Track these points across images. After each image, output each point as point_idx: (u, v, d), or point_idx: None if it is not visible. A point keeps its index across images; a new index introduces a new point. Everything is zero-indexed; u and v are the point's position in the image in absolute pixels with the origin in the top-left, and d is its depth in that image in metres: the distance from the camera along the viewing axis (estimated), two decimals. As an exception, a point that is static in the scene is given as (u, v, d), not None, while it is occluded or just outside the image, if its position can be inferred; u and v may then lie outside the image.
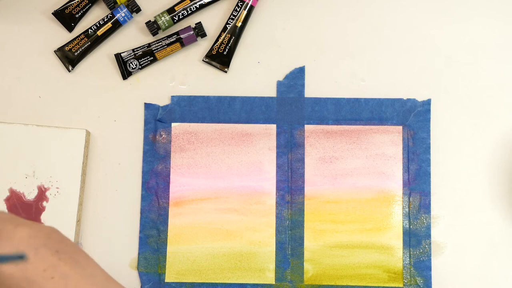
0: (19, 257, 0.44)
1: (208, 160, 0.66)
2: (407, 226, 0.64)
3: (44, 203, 0.64)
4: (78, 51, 0.67)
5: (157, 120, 0.66)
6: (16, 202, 0.64)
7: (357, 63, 0.67)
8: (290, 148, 0.66)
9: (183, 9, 0.67)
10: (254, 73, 0.67)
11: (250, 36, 0.68)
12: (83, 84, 0.67)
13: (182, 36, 0.66)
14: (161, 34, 0.68)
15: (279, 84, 0.67)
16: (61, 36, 0.68)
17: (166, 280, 0.64)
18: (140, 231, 0.65)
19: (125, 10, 0.67)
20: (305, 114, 0.66)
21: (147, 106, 0.67)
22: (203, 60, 0.68)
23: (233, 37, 0.67)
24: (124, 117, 0.67)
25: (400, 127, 0.66)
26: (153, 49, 0.66)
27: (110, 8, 0.67)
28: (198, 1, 0.67)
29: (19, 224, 0.50)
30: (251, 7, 0.67)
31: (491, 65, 0.66)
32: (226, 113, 0.66)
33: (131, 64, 0.67)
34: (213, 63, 0.67)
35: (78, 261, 0.51)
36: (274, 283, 0.64)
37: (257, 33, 0.68)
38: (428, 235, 0.64)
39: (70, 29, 0.68)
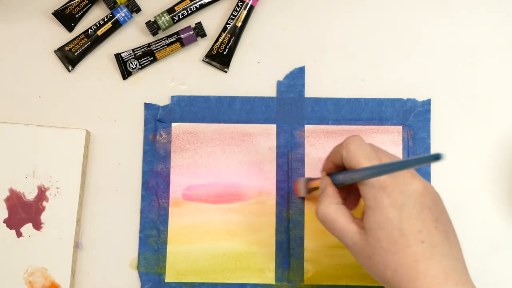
0: (435, 158, 0.43)
1: (208, 160, 0.66)
2: (407, 226, 0.64)
3: (44, 203, 0.64)
4: (78, 51, 0.67)
5: (157, 120, 0.66)
6: (16, 202, 0.64)
7: (357, 63, 0.67)
8: (290, 148, 0.66)
9: (183, 9, 0.67)
10: (254, 73, 0.67)
11: (250, 36, 0.68)
12: (83, 84, 0.67)
13: (182, 36, 0.66)
14: (161, 34, 0.68)
15: (279, 84, 0.67)
16: (61, 36, 0.68)
17: (166, 280, 0.64)
18: (140, 231, 0.65)
19: (125, 10, 0.67)
20: (305, 114, 0.66)
21: (147, 106, 0.67)
22: (203, 60, 0.68)
23: (233, 37, 0.67)
24: (124, 117, 0.67)
25: (400, 127, 0.66)
26: (153, 49, 0.66)
27: (110, 8, 0.67)
28: (198, 1, 0.67)
29: (415, 176, 0.50)
30: (251, 7, 0.67)
31: (491, 65, 0.66)
32: (226, 113, 0.66)
33: (131, 64, 0.67)
34: (213, 63, 0.67)
35: (449, 237, 0.50)
36: (274, 283, 0.64)
37: (257, 33, 0.68)
38: (428, 235, 0.64)
39: (70, 29, 0.68)
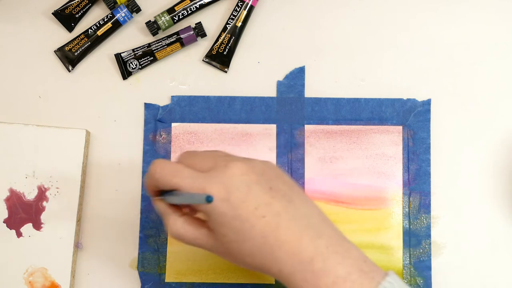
0: (207, 200, 0.45)
1: (208, 160, 0.66)
2: (407, 226, 0.64)
3: (44, 203, 0.64)
4: (78, 51, 0.67)
5: (157, 120, 0.66)
6: (16, 202, 0.64)
7: (357, 63, 0.67)
8: (290, 148, 0.66)
9: (183, 9, 0.67)
10: (254, 73, 0.67)
11: (250, 36, 0.68)
12: (83, 84, 0.67)
13: (182, 36, 0.66)
14: (161, 34, 0.68)
15: (279, 84, 0.67)
16: (61, 36, 0.68)
17: (166, 280, 0.64)
18: (140, 231, 0.65)
19: (125, 10, 0.67)
20: (305, 114, 0.66)
21: (147, 106, 0.67)
22: (203, 60, 0.68)
23: (233, 37, 0.67)
24: (124, 117, 0.67)
25: (400, 127, 0.66)
26: (153, 49, 0.66)
27: (110, 8, 0.67)
28: (198, 1, 0.67)
29: (232, 161, 0.49)
30: (251, 7, 0.67)
31: (491, 65, 0.66)
32: (226, 113, 0.66)
33: (131, 64, 0.67)
34: (213, 63, 0.67)
35: (291, 200, 0.49)
36: (274, 283, 0.64)
37: (257, 33, 0.68)
38: (428, 235, 0.64)
39: (70, 29, 0.68)
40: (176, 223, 0.51)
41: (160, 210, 0.53)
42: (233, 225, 0.48)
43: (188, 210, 0.53)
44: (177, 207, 0.52)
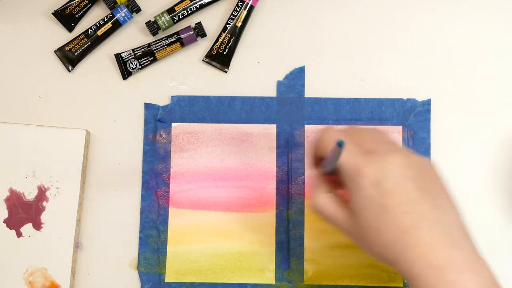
0: (338, 144, 0.47)
1: (208, 160, 0.66)
2: (407, 226, 0.64)
3: (44, 203, 0.64)
4: (78, 51, 0.67)
5: (157, 120, 0.66)
6: (16, 202, 0.64)
7: (357, 63, 0.67)
8: (290, 148, 0.66)
9: (183, 9, 0.67)
10: (254, 73, 0.67)
11: (250, 36, 0.68)
12: (83, 84, 0.67)
13: (182, 36, 0.66)
14: (161, 34, 0.68)
15: (279, 84, 0.67)
16: (61, 36, 0.68)
17: (166, 280, 0.64)
18: (140, 231, 0.65)
19: (125, 10, 0.67)
20: (305, 114, 0.66)
21: (147, 106, 0.67)
22: (203, 60, 0.68)
23: (233, 37, 0.67)
24: (124, 117, 0.67)
25: (400, 127, 0.66)
26: (153, 49, 0.66)
27: (110, 8, 0.67)
28: (198, 1, 0.67)
29: (393, 150, 0.50)
30: (251, 7, 0.67)
31: (491, 65, 0.66)
32: (226, 113, 0.66)
33: (131, 64, 0.67)
34: (213, 63, 0.67)
35: (438, 204, 0.49)
36: (274, 283, 0.64)
37: (257, 33, 0.68)
38: (428, 235, 0.64)
39: (70, 29, 0.68)
40: (319, 197, 0.53)
41: (315, 180, 0.54)
42: (376, 211, 0.48)
43: (338, 191, 0.54)
44: (329, 183, 0.53)
